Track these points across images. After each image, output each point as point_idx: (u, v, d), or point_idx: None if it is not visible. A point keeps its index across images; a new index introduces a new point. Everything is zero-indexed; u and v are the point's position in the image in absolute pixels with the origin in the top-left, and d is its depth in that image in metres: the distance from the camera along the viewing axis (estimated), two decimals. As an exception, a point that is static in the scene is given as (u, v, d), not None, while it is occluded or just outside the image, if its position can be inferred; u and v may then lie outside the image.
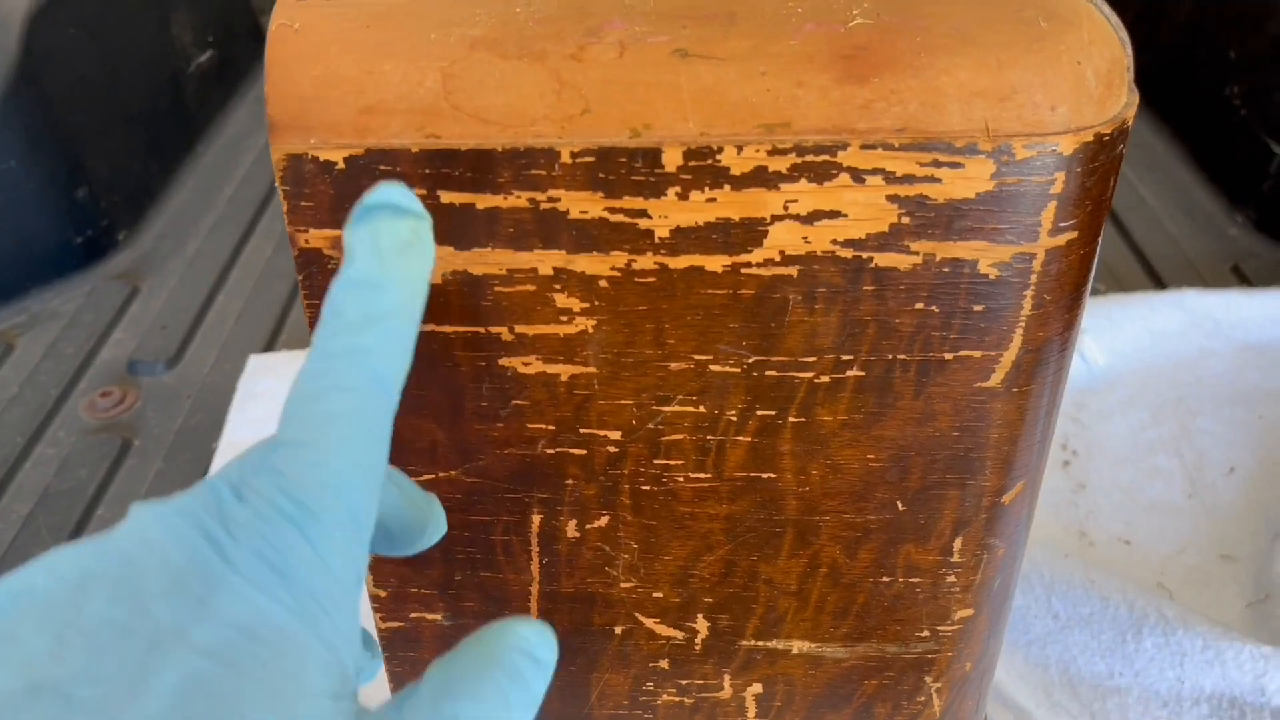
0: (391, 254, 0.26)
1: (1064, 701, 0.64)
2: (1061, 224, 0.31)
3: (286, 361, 0.92)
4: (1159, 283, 1.01)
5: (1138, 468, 0.80)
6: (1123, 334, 0.90)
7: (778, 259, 0.32)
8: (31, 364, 0.95)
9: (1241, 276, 1.02)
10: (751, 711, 0.44)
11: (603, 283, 0.32)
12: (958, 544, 0.38)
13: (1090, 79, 0.30)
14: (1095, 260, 0.34)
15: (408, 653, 0.42)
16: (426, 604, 0.40)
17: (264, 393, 0.89)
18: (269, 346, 0.97)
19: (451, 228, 0.31)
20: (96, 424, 0.89)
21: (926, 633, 0.41)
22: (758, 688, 0.43)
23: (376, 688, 0.63)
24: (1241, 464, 0.80)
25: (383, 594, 0.40)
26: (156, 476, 0.84)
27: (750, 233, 0.31)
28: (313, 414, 0.24)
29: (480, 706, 0.25)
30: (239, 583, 0.23)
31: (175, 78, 1.22)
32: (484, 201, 0.31)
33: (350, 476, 0.24)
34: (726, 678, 0.43)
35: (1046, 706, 0.64)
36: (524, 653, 0.26)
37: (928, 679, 0.42)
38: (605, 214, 0.31)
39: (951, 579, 0.39)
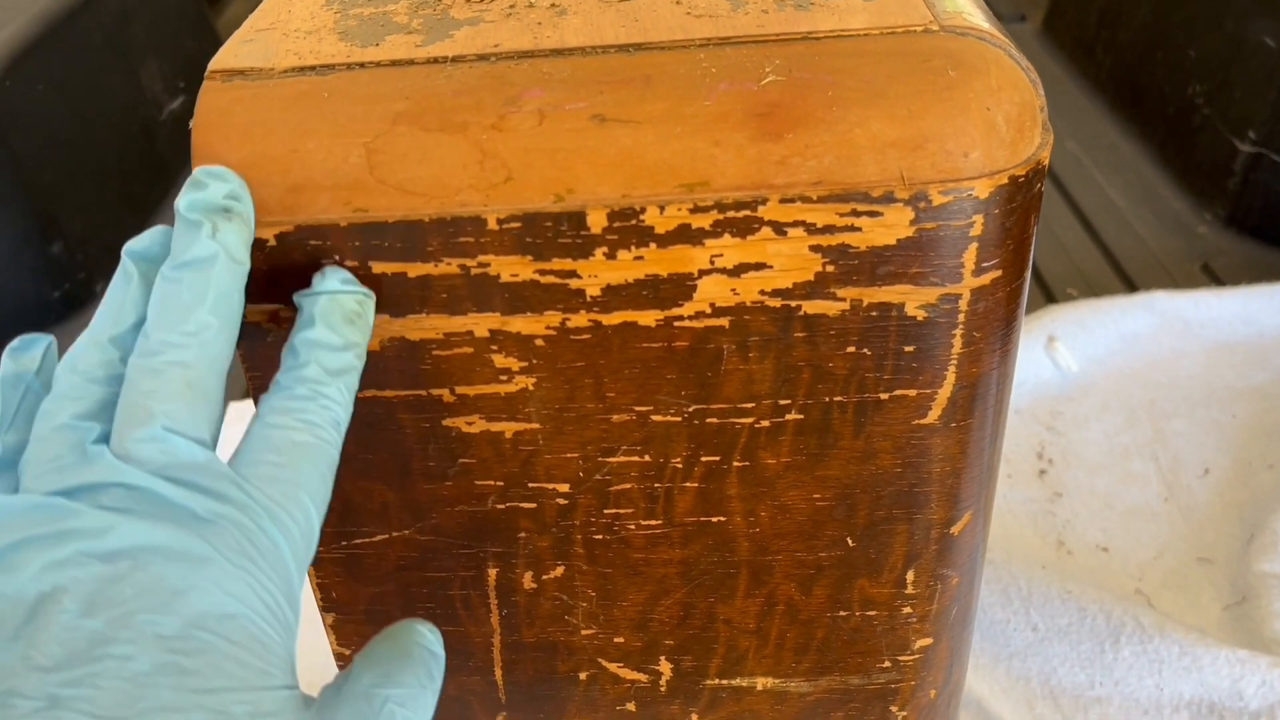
0: (343, 323, 0.30)
1: (1046, 714, 0.65)
2: (984, 264, 0.32)
3: (265, 407, 0.92)
4: (1130, 285, 1.02)
5: (1113, 473, 0.81)
6: (1095, 339, 0.90)
7: (709, 311, 0.32)
8: (12, 422, 0.95)
9: (1212, 274, 1.03)
10: (721, 749, 0.44)
11: (539, 341, 0.33)
12: (910, 576, 0.39)
13: (1001, 123, 0.30)
14: (1024, 295, 0.34)
15: (376, 708, 0.42)
16: (391, 660, 0.41)
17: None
18: (248, 394, 0.97)
19: (386, 296, 0.32)
20: (78, 479, 0.89)
21: (888, 663, 0.41)
22: (725, 725, 0.43)
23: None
24: (1216, 464, 0.81)
25: (347, 653, 0.41)
26: (139, 530, 0.84)
27: (679, 287, 0.32)
28: (280, 440, 0.28)
29: (406, 691, 0.29)
30: (208, 586, 0.25)
31: (147, 126, 1.23)
32: (415, 270, 0.31)
33: (313, 494, 0.28)
34: (694, 717, 0.43)
35: (1029, 719, 0.64)
36: (427, 648, 0.31)
37: (893, 708, 0.43)
38: (536, 276, 0.32)
39: (908, 610, 0.40)
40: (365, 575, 0.38)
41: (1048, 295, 1.01)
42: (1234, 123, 1.07)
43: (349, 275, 0.31)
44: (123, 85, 1.20)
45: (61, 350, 0.29)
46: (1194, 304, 0.92)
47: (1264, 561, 0.70)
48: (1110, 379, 0.89)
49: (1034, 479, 0.81)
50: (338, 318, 0.30)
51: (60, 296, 1.06)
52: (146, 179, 1.21)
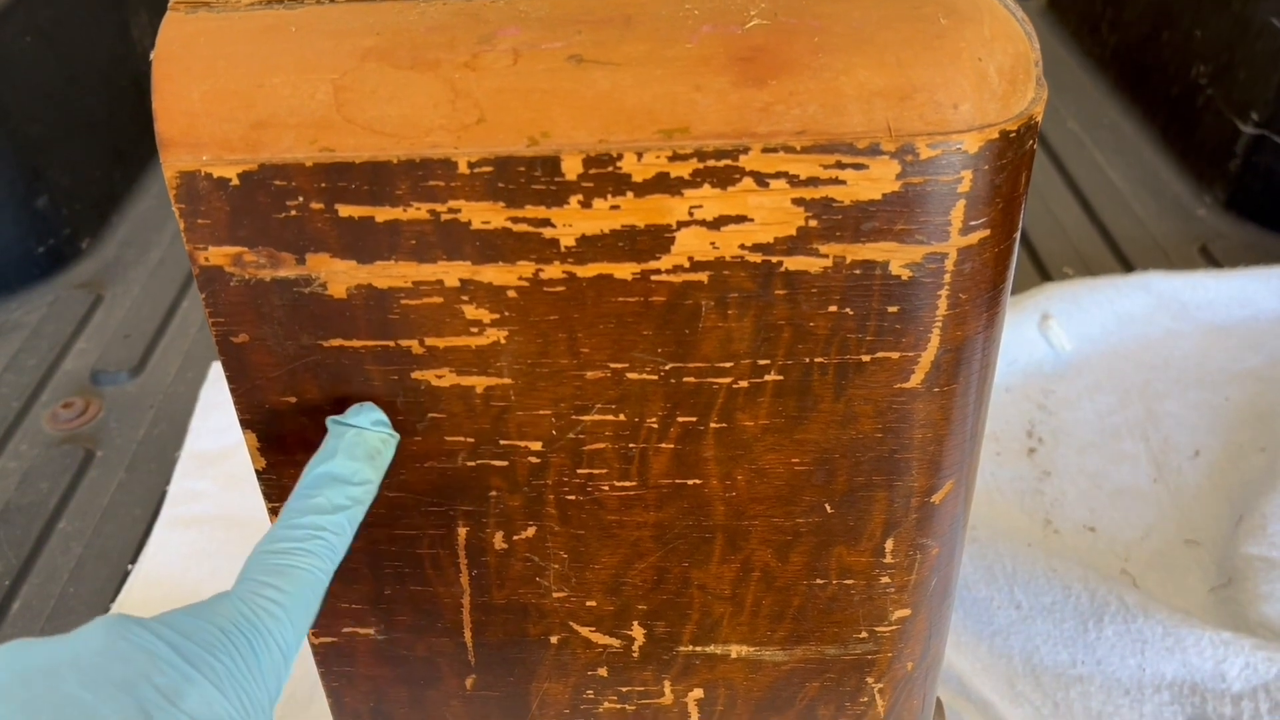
0: (364, 459, 0.33)
1: (1027, 692, 0.64)
2: (972, 222, 0.31)
3: (249, 368, 0.91)
4: (1127, 265, 1.00)
5: (1103, 453, 0.80)
6: (1089, 319, 0.89)
7: (687, 265, 0.31)
8: (-7, 377, 0.94)
9: (1210, 257, 1.02)
10: (694, 716, 0.43)
11: (511, 293, 0.32)
12: (889, 545, 0.38)
13: (993, 75, 0.29)
14: (1014, 257, 0.33)
15: (343, 667, 0.42)
16: (358, 619, 0.40)
17: (226, 401, 0.88)
18: (232, 353, 0.96)
19: (353, 241, 0.31)
20: (59, 435, 0.88)
21: (865, 634, 0.41)
22: (699, 693, 0.42)
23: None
24: (1207, 447, 0.80)
25: (313, 610, 0.40)
26: (119, 488, 0.83)
27: (657, 239, 0.31)
28: (277, 565, 0.31)
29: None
30: (204, 684, 0.27)
31: (138, 82, 1.21)
32: (383, 214, 0.30)
33: (295, 617, 0.30)
34: (667, 684, 0.42)
35: (1010, 698, 0.64)
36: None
37: (869, 679, 0.42)
38: (508, 224, 0.31)
39: (886, 580, 0.39)
40: (332, 531, 0.37)
41: (1043, 274, 1.00)
42: (1237, 104, 1.05)
43: (382, 416, 0.34)
44: (113, 38, 1.18)
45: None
46: (1191, 285, 0.91)
47: (1251, 544, 0.69)
48: (1103, 359, 0.88)
49: (1023, 457, 0.80)
50: (360, 452, 0.33)
51: (45, 251, 1.05)
52: (136, 135, 1.20)
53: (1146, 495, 0.77)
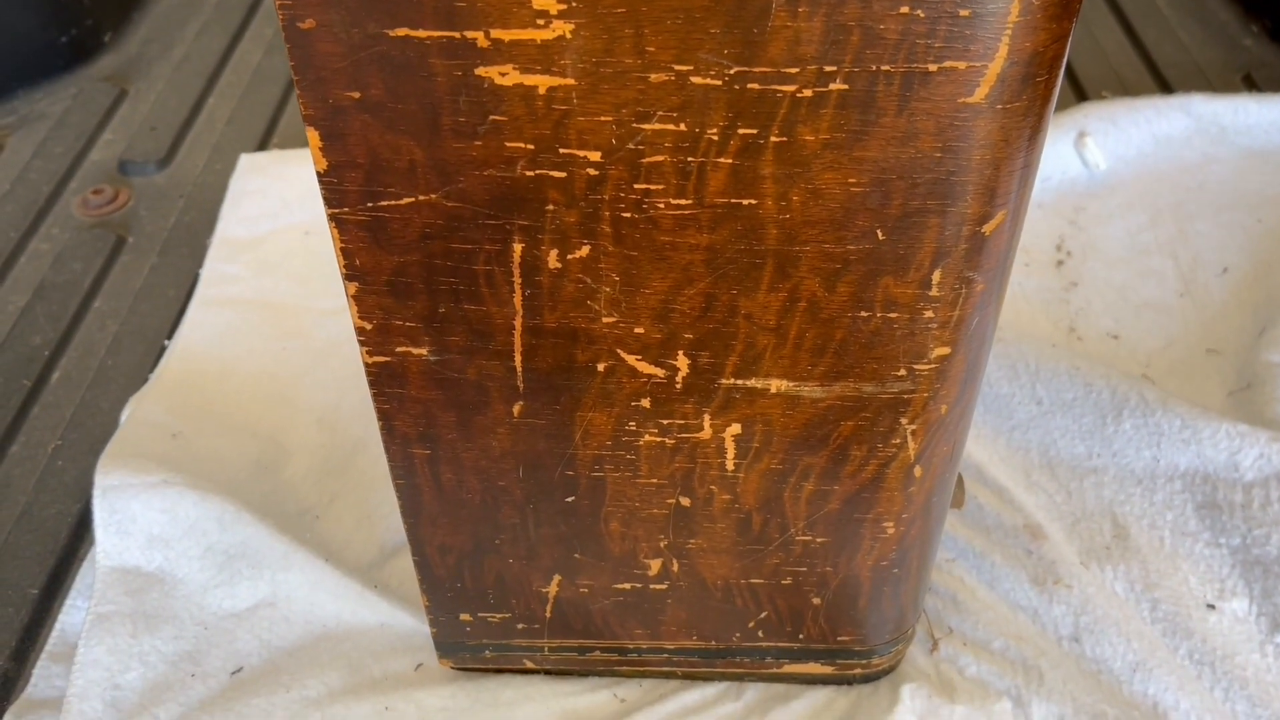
0: None
1: (1042, 481, 0.66)
2: (1054, -84, 0.30)
3: (279, 160, 0.91)
4: (1168, 91, 0.98)
5: (1131, 268, 0.80)
6: (1127, 138, 0.88)
7: (760, -45, 0.31)
8: (21, 163, 0.94)
9: (1253, 85, 0.99)
10: (730, 453, 0.45)
11: (580, -19, 0.32)
12: (936, 276, 0.39)
13: None
14: (1088, -32, 0.33)
15: (394, 389, 0.43)
16: (412, 338, 0.41)
17: (256, 190, 0.88)
18: (261, 147, 0.95)
19: (423, -83, 0.30)
20: (89, 221, 0.89)
21: (903, 371, 0.42)
22: (736, 428, 0.44)
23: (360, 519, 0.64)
24: (1235, 265, 0.80)
25: (368, 326, 0.41)
26: (151, 271, 0.84)
27: (732, -75, 0.30)
28: None
29: None
30: None
31: (155, -127, 1.17)
32: (456, -115, 0.30)
33: None
34: (706, 418, 0.43)
35: (1025, 486, 0.66)
36: None
37: (903, 420, 0.43)
38: (582, -98, 0.30)
39: (929, 314, 0.40)
40: (390, 242, 0.38)
41: (1081, 97, 0.98)
42: (1296, -72, 1.01)
43: None
44: None
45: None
46: (1232, 109, 0.90)
47: (1273, 352, 0.70)
48: (1138, 179, 0.87)
49: (1051, 269, 0.80)
50: None
51: (68, 42, 1.03)
52: (155, -72, 1.16)
53: (1172, 308, 0.77)
